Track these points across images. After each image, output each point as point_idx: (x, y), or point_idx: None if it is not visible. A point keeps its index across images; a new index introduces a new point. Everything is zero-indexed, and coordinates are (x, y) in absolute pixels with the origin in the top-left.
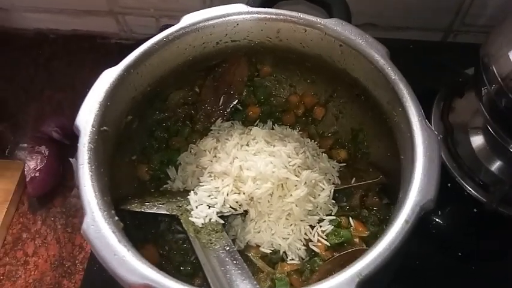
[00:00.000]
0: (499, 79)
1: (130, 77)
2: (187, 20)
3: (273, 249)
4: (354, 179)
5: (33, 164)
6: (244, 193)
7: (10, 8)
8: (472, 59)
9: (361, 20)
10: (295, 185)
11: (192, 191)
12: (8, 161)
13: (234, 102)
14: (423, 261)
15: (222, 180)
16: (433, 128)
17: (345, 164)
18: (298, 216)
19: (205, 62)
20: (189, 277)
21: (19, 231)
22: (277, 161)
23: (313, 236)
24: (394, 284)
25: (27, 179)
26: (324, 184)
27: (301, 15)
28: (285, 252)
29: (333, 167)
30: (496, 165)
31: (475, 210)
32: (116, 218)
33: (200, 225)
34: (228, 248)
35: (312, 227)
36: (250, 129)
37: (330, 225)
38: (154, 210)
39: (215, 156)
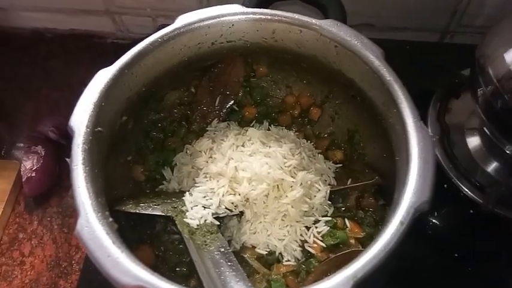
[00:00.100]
0: (495, 80)
1: (124, 77)
2: (182, 20)
3: (268, 250)
4: (350, 180)
5: (29, 164)
6: (239, 194)
7: (9, 7)
8: (468, 59)
9: (358, 21)
10: (291, 186)
11: (187, 192)
12: (4, 161)
13: (230, 103)
14: (419, 262)
15: (218, 181)
16: (428, 129)
17: (341, 165)
18: (294, 217)
19: (201, 62)
20: (184, 278)
21: (15, 232)
22: (273, 162)
23: (309, 237)
24: (391, 285)
25: (24, 179)
26: (319, 185)
27: (296, 16)
28: (280, 253)
29: (329, 168)
30: (492, 166)
31: (471, 211)
32: (110, 219)
33: (195, 227)
34: (222, 250)
35: (308, 228)
36: (246, 130)
37: (325, 226)
38: (149, 211)
39: (211, 157)
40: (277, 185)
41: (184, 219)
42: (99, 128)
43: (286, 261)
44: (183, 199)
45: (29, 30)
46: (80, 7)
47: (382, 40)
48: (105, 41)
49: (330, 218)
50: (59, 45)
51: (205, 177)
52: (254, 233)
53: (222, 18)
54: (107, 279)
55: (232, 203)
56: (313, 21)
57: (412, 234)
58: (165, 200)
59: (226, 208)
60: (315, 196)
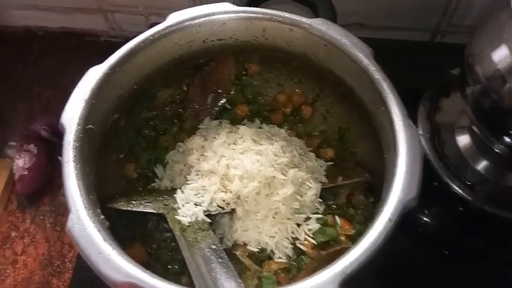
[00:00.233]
0: (483, 79)
1: (116, 75)
2: (174, 18)
3: (260, 247)
4: (341, 178)
5: (21, 162)
6: (231, 192)
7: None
8: (458, 59)
9: (349, 20)
10: (282, 184)
11: (178, 190)
12: None
13: (222, 101)
14: (409, 259)
15: (209, 178)
16: (416, 128)
17: (332, 163)
18: (285, 215)
19: (192, 60)
20: (177, 275)
21: (8, 230)
22: (264, 159)
23: (300, 235)
24: (380, 282)
25: (16, 178)
26: (311, 183)
27: (287, 14)
28: (272, 250)
29: (320, 166)
30: (481, 165)
31: (461, 208)
32: (102, 216)
33: (187, 224)
34: (213, 247)
35: (299, 225)
36: (238, 128)
37: (316, 224)
38: (140, 209)
39: (202, 155)
40: (269, 183)
41: (176, 217)
42: (90, 126)
43: (277, 258)
44: (174, 196)
45: (20, 28)
46: (72, 5)
47: (373, 39)
48: (98, 39)
49: (320, 216)
50: (51, 44)
51: (197, 174)
52: (245, 231)
53: (213, 17)
54: (98, 276)
55: (224, 201)
56: (303, 19)
57: (402, 232)
58: (157, 197)
59: (217, 205)
60: (306, 194)
